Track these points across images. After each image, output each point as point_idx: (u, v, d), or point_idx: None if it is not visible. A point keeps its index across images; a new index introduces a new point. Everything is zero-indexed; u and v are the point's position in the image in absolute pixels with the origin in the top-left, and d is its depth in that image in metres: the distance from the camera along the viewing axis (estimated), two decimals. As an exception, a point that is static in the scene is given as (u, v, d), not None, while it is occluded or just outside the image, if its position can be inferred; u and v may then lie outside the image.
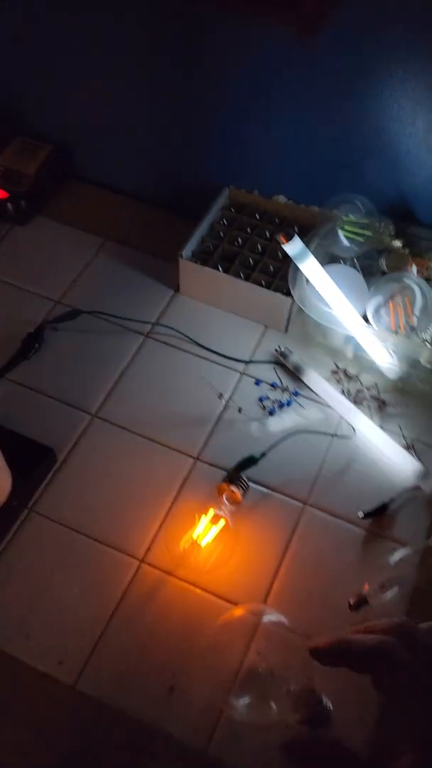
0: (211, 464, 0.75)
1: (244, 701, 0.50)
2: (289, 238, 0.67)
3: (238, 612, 0.58)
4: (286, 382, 0.82)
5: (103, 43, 0.85)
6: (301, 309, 0.85)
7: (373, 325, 0.75)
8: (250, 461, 0.72)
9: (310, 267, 0.70)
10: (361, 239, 0.79)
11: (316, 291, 0.75)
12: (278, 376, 0.82)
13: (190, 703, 0.60)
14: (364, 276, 0.79)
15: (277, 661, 0.49)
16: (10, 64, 0.93)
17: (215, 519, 0.68)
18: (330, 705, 0.44)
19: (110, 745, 0.58)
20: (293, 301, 0.81)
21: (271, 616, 0.54)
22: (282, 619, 0.52)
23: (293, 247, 0.68)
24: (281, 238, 0.67)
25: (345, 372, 0.82)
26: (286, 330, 0.86)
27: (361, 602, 0.65)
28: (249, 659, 0.52)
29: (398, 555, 0.69)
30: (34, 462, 0.71)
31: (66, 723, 0.59)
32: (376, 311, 0.75)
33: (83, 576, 0.67)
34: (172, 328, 0.85)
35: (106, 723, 0.59)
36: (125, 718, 0.59)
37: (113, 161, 0.99)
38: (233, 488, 0.69)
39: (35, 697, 0.60)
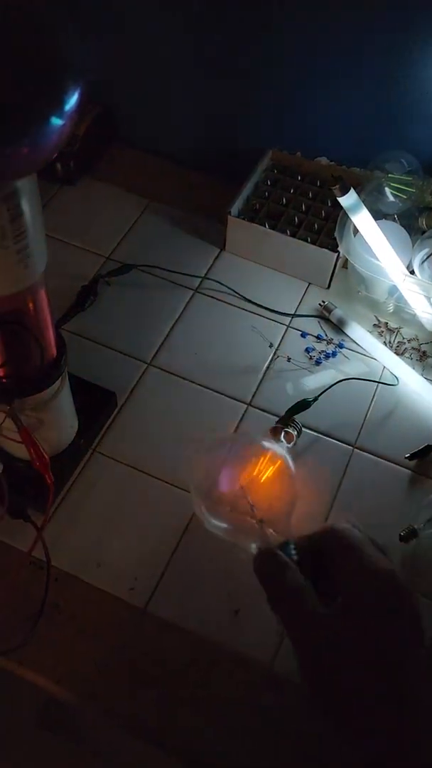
0: (263, 410, 0.78)
1: (219, 522, 0.56)
2: (345, 190, 0.70)
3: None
4: (331, 334, 0.85)
5: (148, 4, 0.88)
6: (344, 266, 0.89)
7: (419, 275, 0.78)
8: (303, 405, 0.75)
9: (362, 219, 0.74)
10: (405, 196, 0.82)
11: (363, 243, 0.78)
12: (323, 329, 0.85)
13: (254, 624, 0.64)
14: (405, 233, 0.83)
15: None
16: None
17: (273, 458, 0.71)
18: (297, 556, 0.45)
19: (179, 661, 0.62)
20: (338, 256, 0.84)
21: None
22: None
23: (348, 199, 0.71)
24: (337, 191, 0.71)
25: (386, 325, 0.86)
26: (329, 286, 0.89)
27: (411, 534, 0.69)
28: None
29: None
30: (97, 405, 0.74)
31: (137, 642, 0.63)
32: (421, 263, 0.79)
33: (147, 510, 0.70)
34: (220, 283, 0.88)
35: (174, 642, 0.63)
36: (193, 638, 0.63)
37: (156, 125, 1.02)
38: (288, 429, 0.73)
39: (109, 619, 0.64)
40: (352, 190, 0.71)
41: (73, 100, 0.38)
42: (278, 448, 0.63)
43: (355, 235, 0.80)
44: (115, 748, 0.95)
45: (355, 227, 0.78)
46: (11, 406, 0.57)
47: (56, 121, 0.38)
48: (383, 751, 0.37)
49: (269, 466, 0.64)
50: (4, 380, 0.56)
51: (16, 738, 1.06)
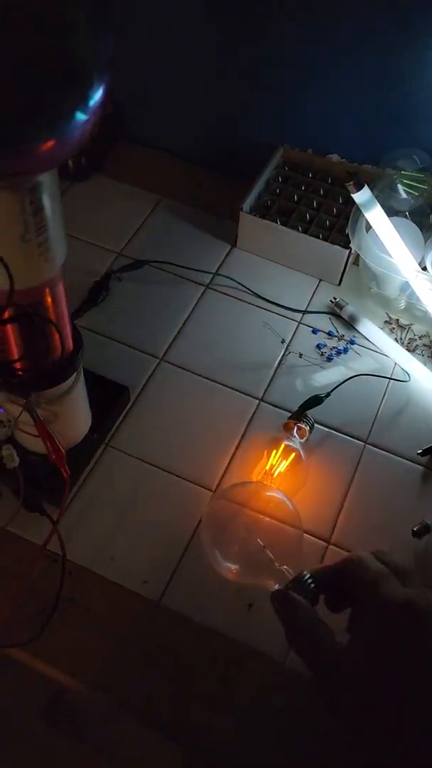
0: (274, 405, 0.78)
1: (232, 565, 0.58)
2: (360, 186, 0.70)
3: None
4: (342, 331, 0.85)
5: (148, 4, 0.88)
6: (355, 262, 0.89)
7: (431, 272, 0.78)
8: (315, 400, 0.75)
9: (375, 215, 0.74)
10: (417, 193, 0.82)
11: (375, 239, 0.78)
12: (334, 326, 0.86)
13: (267, 619, 0.64)
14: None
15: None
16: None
17: (286, 452, 0.71)
18: (313, 585, 0.45)
19: (192, 656, 0.63)
20: (349, 253, 0.85)
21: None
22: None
23: (362, 195, 0.71)
24: (352, 187, 0.71)
25: (398, 322, 0.86)
26: (340, 282, 0.89)
27: (424, 530, 0.69)
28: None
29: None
30: (111, 399, 0.75)
31: (151, 635, 0.64)
32: (434, 260, 0.79)
33: (160, 504, 0.71)
34: (231, 279, 0.89)
35: (188, 636, 0.64)
36: (206, 632, 0.64)
37: (166, 123, 1.02)
38: (300, 425, 0.73)
39: (123, 612, 0.65)
40: (366, 187, 0.71)
41: (97, 96, 0.38)
42: (280, 494, 0.66)
43: (367, 232, 0.80)
44: (120, 744, 0.96)
45: (367, 224, 0.78)
46: (28, 399, 0.57)
47: (80, 116, 0.38)
48: (383, 751, 0.37)
49: (275, 508, 0.66)
50: (21, 374, 0.57)
51: (20, 734, 1.06)
